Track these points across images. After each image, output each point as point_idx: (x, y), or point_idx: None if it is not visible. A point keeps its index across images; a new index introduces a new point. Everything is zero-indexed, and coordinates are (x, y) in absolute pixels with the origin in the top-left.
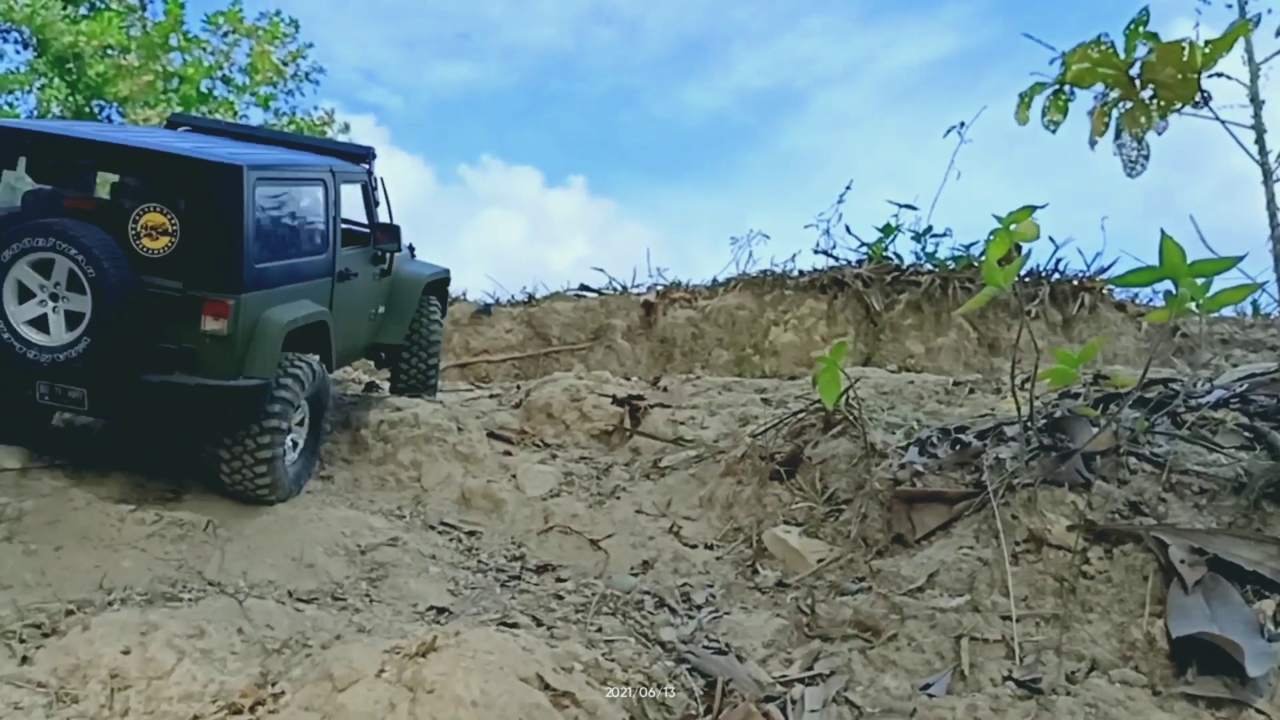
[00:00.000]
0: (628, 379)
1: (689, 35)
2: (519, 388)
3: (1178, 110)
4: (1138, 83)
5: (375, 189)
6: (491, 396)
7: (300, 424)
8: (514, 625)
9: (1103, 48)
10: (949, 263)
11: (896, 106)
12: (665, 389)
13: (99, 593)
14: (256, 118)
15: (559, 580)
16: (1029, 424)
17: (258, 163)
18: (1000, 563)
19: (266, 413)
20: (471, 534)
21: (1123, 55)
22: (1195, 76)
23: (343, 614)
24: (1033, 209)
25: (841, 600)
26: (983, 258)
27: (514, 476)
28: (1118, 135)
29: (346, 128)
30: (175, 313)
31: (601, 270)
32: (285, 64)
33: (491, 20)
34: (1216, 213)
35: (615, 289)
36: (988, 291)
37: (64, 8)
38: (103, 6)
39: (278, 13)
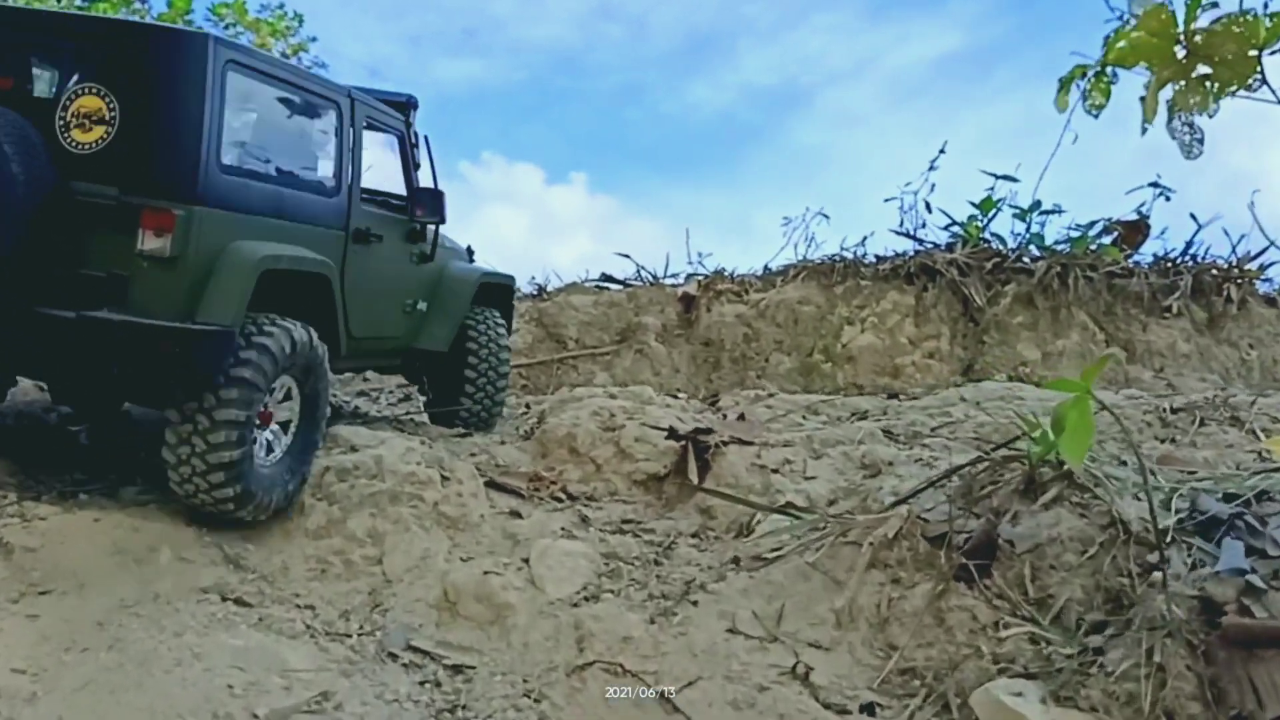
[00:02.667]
0: (675, 396)
1: (696, 32)
2: (528, 408)
3: (1232, 93)
4: (1188, 60)
5: (415, 146)
6: None
7: (281, 413)
8: None
9: (1162, 17)
10: (1061, 246)
11: (905, 103)
12: (729, 413)
13: None
14: None
15: None
16: None
17: (231, 43)
18: None
19: (220, 396)
20: (457, 671)
21: (1182, 26)
22: (1256, 54)
23: None
24: None
25: None
26: (1104, 240)
27: (526, 561)
28: (1170, 118)
29: None
30: (106, 228)
31: (627, 256)
32: (287, 58)
33: (498, 17)
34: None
35: (646, 280)
36: None
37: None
38: None
39: (280, 5)
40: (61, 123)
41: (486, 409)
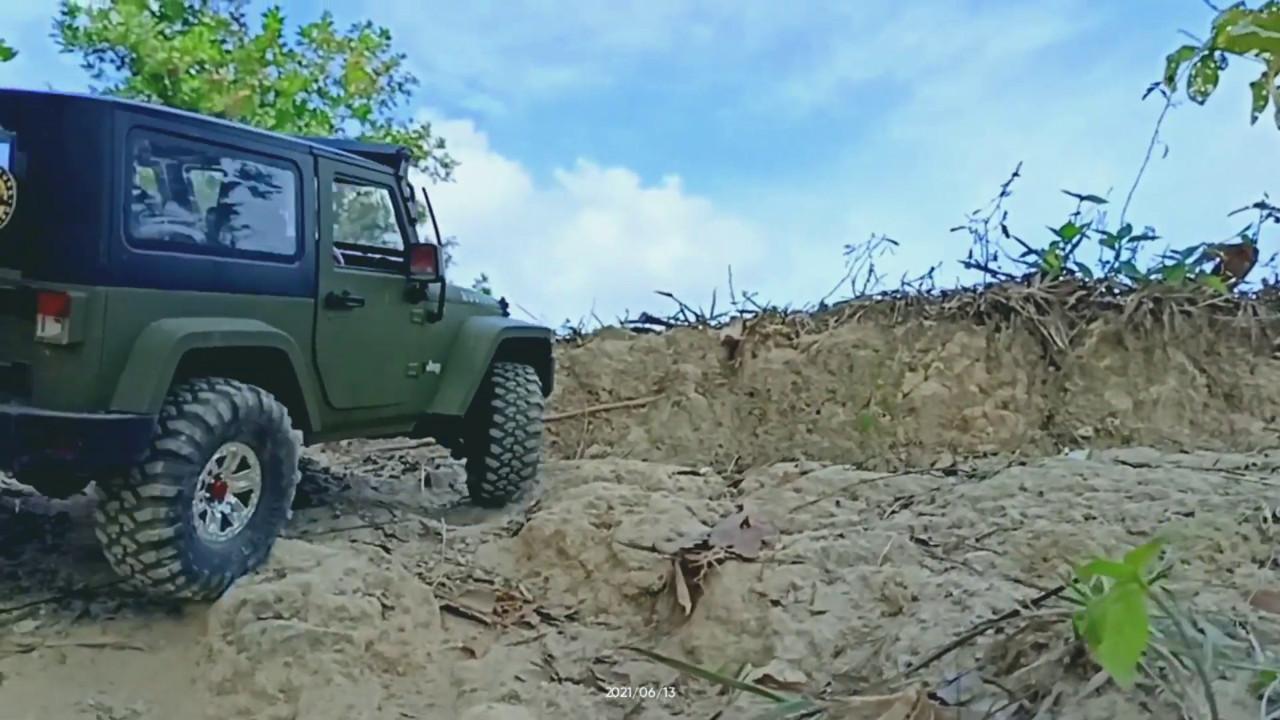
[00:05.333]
0: (695, 472)
1: (788, 30)
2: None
3: None
4: None
5: (408, 199)
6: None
7: (237, 483)
8: None
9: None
10: (1154, 276)
11: (1004, 96)
12: (746, 502)
13: None
14: (353, 130)
15: None
16: None
17: (139, 107)
18: None
19: (145, 471)
20: None
21: None
22: None
23: None
24: None
25: None
26: (1204, 268)
27: None
28: None
29: (441, 143)
30: (8, 314)
31: (670, 295)
32: (378, 74)
33: (589, 24)
34: None
35: (688, 319)
36: None
37: (157, 24)
38: (195, 23)
39: (368, 24)
40: None
41: (515, 472)
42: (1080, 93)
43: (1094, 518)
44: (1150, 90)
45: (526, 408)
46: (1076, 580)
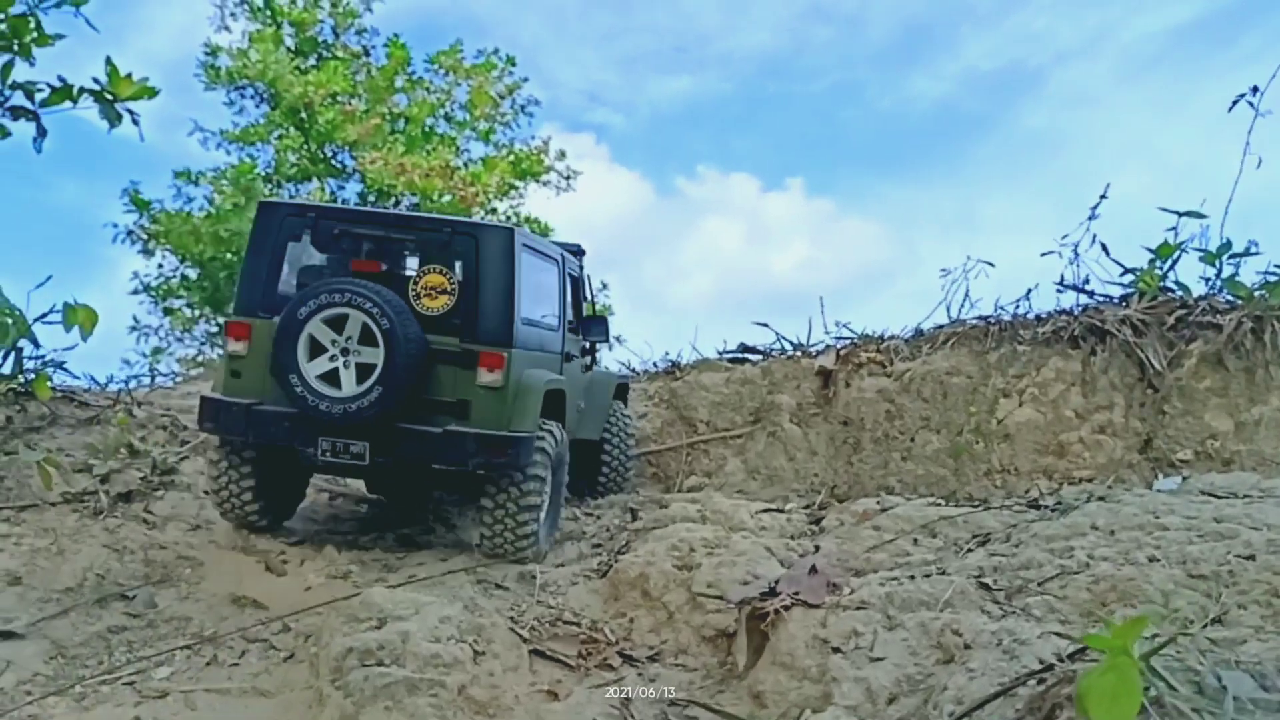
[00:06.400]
0: (779, 510)
1: (912, 23)
2: (632, 516)
3: None
4: None
5: (585, 283)
6: (593, 549)
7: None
8: None
9: None
10: (1260, 293)
11: (1142, 78)
12: (825, 540)
13: None
14: (477, 151)
15: None
16: None
17: (524, 233)
18: None
19: (531, 464)
20: None
21: None
22: None
23: None
24: None
25: None
26: None
27: None
28: None
29: (562, 155)
30: (451, 366)
31: (766, 325)
32: (502, 98)
33: (706, 31)
34: None
35: (783, 350)
36: None
37: (293, 60)
38: (328, 56)
39: (495, 50)
40: (414, 294)
41: (620, 480)
42: (1224, 69)
43: (1157, 560)
44: (1236, 102)
45: (627, 435)
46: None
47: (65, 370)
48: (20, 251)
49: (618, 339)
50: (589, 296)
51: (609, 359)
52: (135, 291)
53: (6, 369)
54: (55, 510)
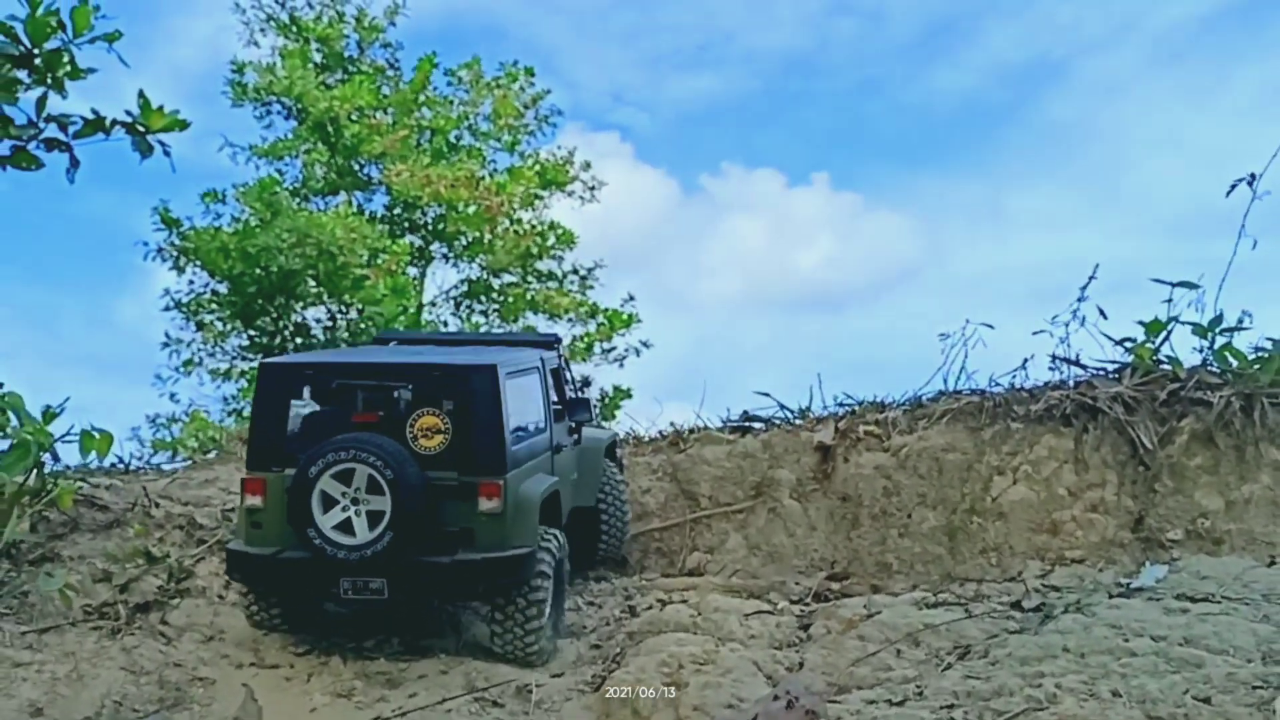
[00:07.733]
0: (770, 610)
1: (935, 16)
2: (631, 613)
3: None
4: None
5: (565, 369)
6: (591, 650)
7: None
8: None
9: None
10: (1253, 367)
11: (1171, 67)
12: (807, 657)
13: None
14: (503, 162)
15: None
16: None
17: (504, 362)
18: None
19: (533, 577)
20: None
21: None
22: None
23: None
24: None
25: None
26: None
27: None
28: None
29: (587, 166)
30: (453, 499)
31: (767, 395)
32: (525, 108)
33: (728, 28)
34: None
35: (784, 420)
36: None
37: (319, 75)
38: (354, 70)
39: (515, 63)
40: (411, 435)
41: (618, 540)
42: (1257, 55)
43: (1120, 695)
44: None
45: (620, 494)
46: None
47: (86, 482)
48: (56, 260)
49: (644, 344)
50: (569, 379)
51: (630, 378)
52: (167, 308)
53: (31, 481)
54: (75, 631)
